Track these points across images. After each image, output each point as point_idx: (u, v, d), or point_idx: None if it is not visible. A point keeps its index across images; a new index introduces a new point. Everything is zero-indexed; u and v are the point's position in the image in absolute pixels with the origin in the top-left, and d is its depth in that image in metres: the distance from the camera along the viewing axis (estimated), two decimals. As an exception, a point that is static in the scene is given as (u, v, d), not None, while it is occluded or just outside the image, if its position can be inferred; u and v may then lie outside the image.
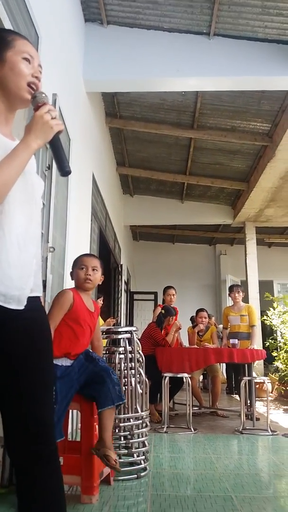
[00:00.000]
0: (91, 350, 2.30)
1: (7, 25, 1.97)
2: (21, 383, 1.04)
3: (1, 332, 1.05)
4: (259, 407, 5.17)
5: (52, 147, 1.07)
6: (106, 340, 3.15)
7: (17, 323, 1.06)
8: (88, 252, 2.52)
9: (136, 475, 2.42)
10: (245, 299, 5.98)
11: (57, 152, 1.07)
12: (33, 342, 1.08)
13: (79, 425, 2.28)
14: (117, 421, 2.44)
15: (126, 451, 2.49)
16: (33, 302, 1.12)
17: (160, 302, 6.23)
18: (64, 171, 1.07)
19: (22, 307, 1.06)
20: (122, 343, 2.68)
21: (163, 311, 4.86)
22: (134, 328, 2.78)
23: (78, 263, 2.28)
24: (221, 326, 5.88)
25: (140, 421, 2.59)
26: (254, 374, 4.54)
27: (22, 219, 1.07)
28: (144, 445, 2.60)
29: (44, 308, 1.21)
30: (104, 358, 2.79)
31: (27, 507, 1.04)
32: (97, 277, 2.28)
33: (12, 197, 1.04)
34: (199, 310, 5.43)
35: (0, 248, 1.01)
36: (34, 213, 1.12)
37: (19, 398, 1.04)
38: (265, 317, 6.82)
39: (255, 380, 4.47)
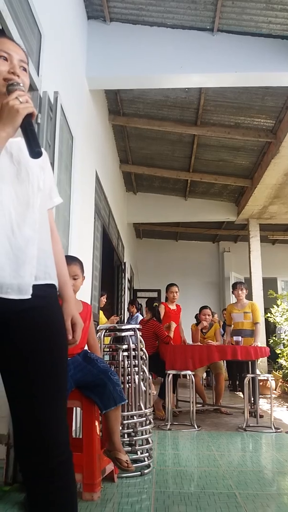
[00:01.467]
0: (89, 351, 2.31)
1: (10, 23, 1.97)
2: (30, 386, 1.01)
3: (6, 326, 1.02)
4: (263, 404, 5.17)
5: (22, 130, 1.05)
6: (109, 338, 3.16)
7: (22, 315, 1.03)
8: (72, 255, 2.47)
9: (139, 472, 2.43)
10: (249, 297, 5.96)
11: (26, 134, 1.03)
12: (42, 335, 1.04)
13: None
14: (121, 419, 2.45)
15: (130, 448, 2.50)
16: (42, 290, 1.07)
17: (163, 299, 6.26)
18: (33, 152, 1.01)
19: (26, 296, 1.02)
20: (125, 341, 2.68)
21: (156, 304, 4.94)
22: (137, 326, 2.78)
23: None
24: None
25: (144, 418, 2.59)
26: (257, 372, 4.54)
27: (13, 206, 1.06)
28: (147, 442, 2.60)
29: (56, 296, 1.16)
30: (108, 356, 2.80)
31: None
32: (78, 284, 2.28)
33: None
34: (202, 308, 5.43)
35: None
36: (31, 199, 1.10)
37: (27, 403, 1.01)
38: (268, 315, 6.80)
39: (259, 378, 4.47)
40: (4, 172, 1.08)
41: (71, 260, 2.27)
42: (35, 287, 1.05)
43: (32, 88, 2.37)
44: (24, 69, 1.15)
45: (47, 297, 1.09)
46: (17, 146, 1.13)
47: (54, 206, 1.31)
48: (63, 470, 1.02)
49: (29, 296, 1.03)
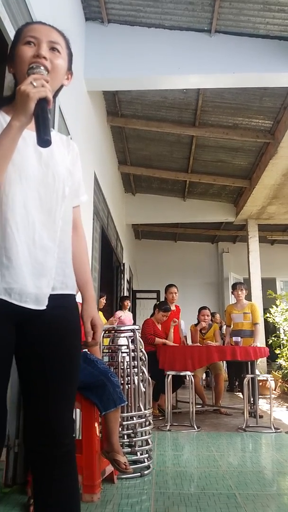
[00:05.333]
0: (89, 352, 2.31)
1: (7, 25, 1.97)
2: (44, 386, 1.05)
3: (25, 330, 1.05)
4: (262, 404, 5.17)
5: (34, 116, 0.96)
6: (108, 339, 3.15)
7: (40, 320, 1.04)
8: None
9: (139, 473, 2.43)
10: (248, 297, 5.97)
11: (36, 121, 0.95)
12: (56, 345, 1.07)
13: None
14: (120, 420, 2.45)
15: (130, 449, 2.50)
16: (59, 299, 1.07)
17: (162, 300, 6.25)
18: (41, 141, 0.93)
19: (42, 307, 1.03)
20: (125, 342, 2.68)
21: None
22: (136, 327, 2.78)
23: None
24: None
25: (143, 419, 2.59)
26: (257, 372, 4.54)
27: (36, 213, 1.03)
28: (147, 443, 2.60)
29: (74, 306, 1.14)
30: (107, 357, 2.80)
31: (44, 506, 1.05)
32: None
33: (23, 195, 1.01)
34: (201, 308, 5.44)
35: (10, 246, 0.98)
36: (55, 207, 1.06)
37: (41, 397, 1.06)
38: (268, 315, 6.81)
39: (258, 378, 4.47)
40: (30, 173, 1.03)
41: None
42: (51, 296, 1.05)
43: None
44: (58, 51, 1.09)
45: (61, 307, 1.09)
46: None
47: (79, 204, 1.27)
48: (68, 459, 1.08)
49: (45, 307, 1.04)
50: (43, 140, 0.93)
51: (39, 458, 1.06)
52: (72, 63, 1.20)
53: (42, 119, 0.94)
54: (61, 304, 1.08)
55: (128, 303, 6.60)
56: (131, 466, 2.45)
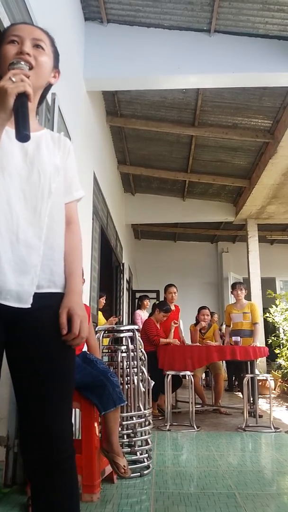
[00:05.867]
0: (88, 352, 2.32)
1: (7, 24, 1.97)
2: (39, 385, 1.02)
3: (14, 330, 1.03)
4: (262, 404, 5.17)
5: (13, 111, 0.95)
6: (108, 339, 3.16)
7: (28, 321, 1.02)
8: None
9: (139, 473, 2.43)
10: (247, 297, 5.97)
11: (15, 115, 0.93)
12: (46, 345, 1.04)
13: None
14: (120, 420, 2.45)
15: (129, 449, 2.50)
16: (48, 298, 1.05)
17: (162, 300, 6.24)
18: (20, 135, 0.92)
19: (26, 306, 1.01)
20: (124, 342, 2.68)
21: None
22: (136, 327, 2.78)
23: None
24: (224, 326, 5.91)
25: (143, 419, 2.59)
26: (256, 372, 4.54)
27: (20, 209, 1.02)
28: (147, 443, 2.60)
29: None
30: (106, 357, 2.80)
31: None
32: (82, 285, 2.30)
33: (6, 192, 1.00)
34: (201, 308, 5.44)
35: None
36: (40, 204, 1.05)
37: (36, 402, 1.02)
38: (267, 314, 6.81)
39: (258, 378, 4.47)
40: (13, 171, 1.03)
41: None
42: (37, 295, 1.03)
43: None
44: (42, 48, 1.09)
45: (50, 307, 1.06)
46: (35, 142, 1.08)
47: (76, 200, 1.23)
48: (67, 466, 1.04)
49: (29, 306, 1.01)
50: (22, 135, 0.92)
51: (38, 466, 1.01)
52: (59, 61, 1.21)
53: (22, 114, 0.93)
54: (49, 304, 1.06)
55: (147, 303, 6.60)
56: (130, 466, 2.45)
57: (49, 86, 1.20)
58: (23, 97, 0.94)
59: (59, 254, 1.11)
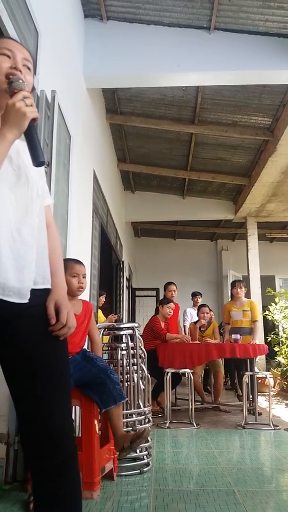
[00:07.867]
0: (88, 350, 2.32)
1: (6, 21, 1.96)
2: (35, 384, 1.03)
3: (6, 329, 1.05)
4: (261, 401, 5.18)
5: (26, 136, 1.02)
6: (108, 337, 3.16)
7: (21, 320, 1.05)
8: (76, 258, 2.49)
9: (139, 471, 2.43)
10: (247, 295, 5.97)
11: (31, 141, 1.01)
12: (41, 334, 1.06)
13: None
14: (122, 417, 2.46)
15: (129, 446, 2.50)
16: (40, 296, 1.10)
17: (161, 298, 6.25)
18: (38, 161, 1.00)
19: (24, 301, 1.05)
20: (124, 339, 2.69)
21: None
22: (136, 324, 2.79)
23: (69, 270, 2.24)
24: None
25: (143, 416, 2.60)
26: (256, 369, 4.55)
27: (13, 212, 1.06)
28: (146, 441, 2.61)
29: None
30: (106, 354, 2.81)
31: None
32: (85, 283, 2.34)
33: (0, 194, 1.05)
34: (200, 306, 5.44)
35: None
36: (30, 205, 1.11)
37: (33, 401, 1.03)
38: (267, 312, 6.82)
39: (257, 375, 4.48)
40: (4, 177, 1.07)
41: (79, 262, 2.39)
42: (33, 291, 1.07)
43: (29, 87, 2.36)
44: (28, 68, 1.14)
45: (43, 305, 1.10)
46: (15, 149, 1.12)
47: (48, 205, 1.30)
48: (69, 464, 1.04)
49: (27, 301, 1.05)
50: (39, 162, 1.00)
51: (40, 465, 1.02)
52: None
53: (38, 140, 1.01)
54: (43, 302, 1.10)
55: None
56: (130, 464, 2.48)
57: None
58: (32, 121, 1.01)
59: (47, 252, 1.17)
